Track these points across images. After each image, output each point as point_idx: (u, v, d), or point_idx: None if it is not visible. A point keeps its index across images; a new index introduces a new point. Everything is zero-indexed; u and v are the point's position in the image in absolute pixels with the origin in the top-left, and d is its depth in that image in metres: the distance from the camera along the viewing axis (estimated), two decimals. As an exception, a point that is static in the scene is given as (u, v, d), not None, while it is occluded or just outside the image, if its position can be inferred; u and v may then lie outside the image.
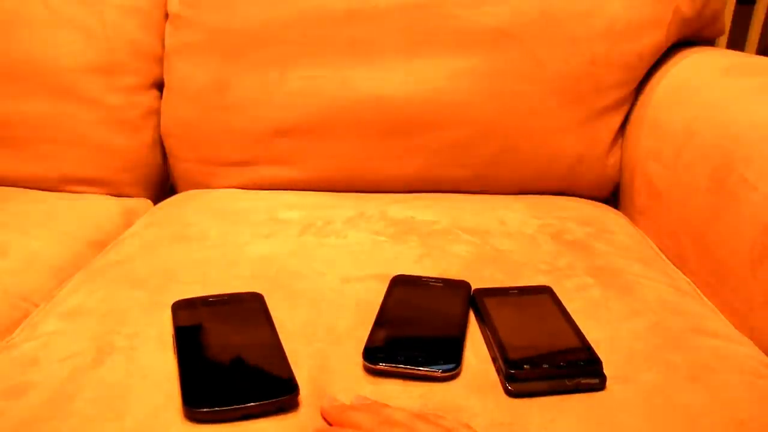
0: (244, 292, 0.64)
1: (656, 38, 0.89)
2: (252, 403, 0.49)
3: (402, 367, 0.53)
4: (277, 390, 0.50)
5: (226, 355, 0.54)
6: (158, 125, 0.99)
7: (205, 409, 0.48)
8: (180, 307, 0.61)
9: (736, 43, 1.67)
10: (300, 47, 0.92)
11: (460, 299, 0.63)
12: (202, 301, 0.62)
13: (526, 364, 0.53)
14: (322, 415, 0.50)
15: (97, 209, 0.93)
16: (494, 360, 0.55)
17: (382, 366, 0.54)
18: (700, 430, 0.49)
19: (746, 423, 0.49)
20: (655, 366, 0.55)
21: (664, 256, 0.79)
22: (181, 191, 1.00)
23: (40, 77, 0.94)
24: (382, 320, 0.60)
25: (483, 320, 0.60)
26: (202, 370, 0.52)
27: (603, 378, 0.53)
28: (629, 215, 0.91)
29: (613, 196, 0.98)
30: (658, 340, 0.58)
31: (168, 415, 0.49)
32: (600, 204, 0.94)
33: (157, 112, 0.99)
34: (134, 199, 1.00)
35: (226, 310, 0.61)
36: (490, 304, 0.62)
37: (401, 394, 0.52)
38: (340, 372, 0.54)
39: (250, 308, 0.62)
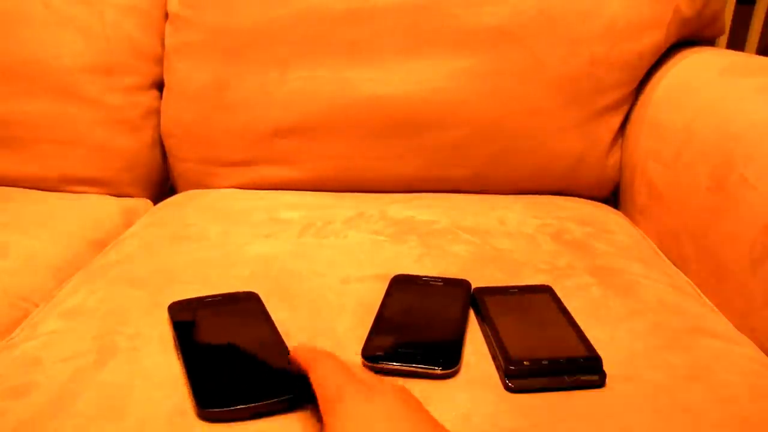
0: (240, 292, 0.64)
1: (656, 38, 0.89)
2: (263, 402, 0.49)
3: (402, 366, 0.53)
4: (287, 388, 0.50)
5: (232, 355, 0.54)
6: (158, 125, 1.00)
7: (218, 410, 0.48)
8: (177, 309, 0.61)
9: (736, 43, 1.67)
10: (300, 47, 0.92)
11: (460, 298, 0.63)
12: (198, 302, 0.62)
13: (526, 361, 0.53)
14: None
15: (97, 209, 0.93)
16: (494, 357, 0.55)
17: (382, 364, 0.54)
18: (701, 429, 0.49)
19: (748, 421, 0.49)
20: (655, 366, 0.55)
21: (664, 256, 0.79)
22: (181, 191, 1.00)
23: (40, 77, 0.94)
24: (382, 319, 0.60)
25: (483, 318, 0.60)
26: (210, 370, 0.52)
27: (603, 375, 0.53)
28: (629, 215, 0.91)
29: (613, 196, 0.98)
30: (658, 340, 0.58)
31: (170, 415, 0.49)
32: (600, 204, 0.93)
33: (157, 112, 1.00)
34: (134, 199, 1.00)
35: (224, 310, 0.61)
36: (490, 302, 0.62)
37: (401, 394, 0.52)
38: (341, 371, 0.54)
39: (247, 308, 0.62)
